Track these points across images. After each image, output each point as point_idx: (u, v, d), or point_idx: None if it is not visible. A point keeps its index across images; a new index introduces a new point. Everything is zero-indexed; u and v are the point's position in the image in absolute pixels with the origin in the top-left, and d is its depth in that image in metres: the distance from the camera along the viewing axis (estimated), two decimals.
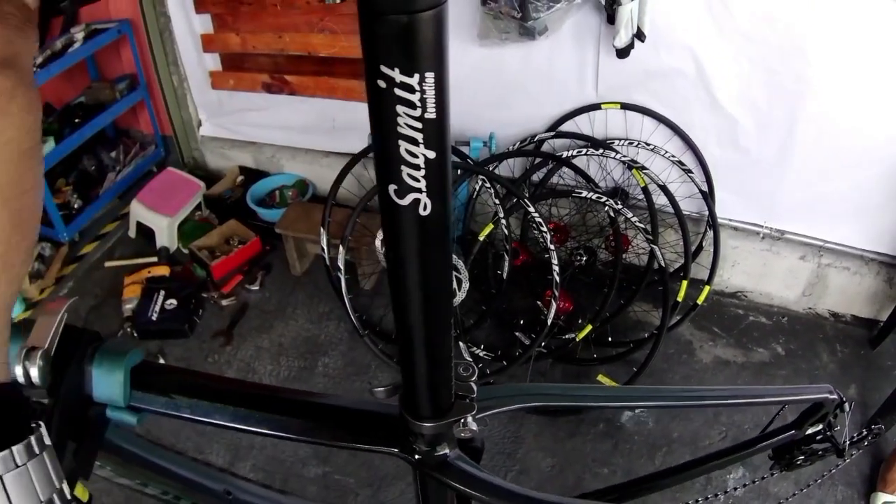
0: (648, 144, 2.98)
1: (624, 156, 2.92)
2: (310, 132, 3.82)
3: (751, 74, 2.70)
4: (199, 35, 3.87)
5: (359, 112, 3.51)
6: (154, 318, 3.24)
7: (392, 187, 0.44)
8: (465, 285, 2.74)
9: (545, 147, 3.13)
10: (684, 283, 2.82)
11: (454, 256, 2.72)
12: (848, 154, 2.73)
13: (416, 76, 0.39)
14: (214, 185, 4.14)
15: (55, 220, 3.78)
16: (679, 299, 2.85)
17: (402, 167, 0.43)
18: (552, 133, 3.06)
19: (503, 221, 2.78)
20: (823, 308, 3.25)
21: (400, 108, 0.40)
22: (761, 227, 3.08)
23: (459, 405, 0.75)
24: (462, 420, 0.74)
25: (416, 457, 0.77)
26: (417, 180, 0.44)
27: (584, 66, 2.91)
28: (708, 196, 2.96)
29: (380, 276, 3.32)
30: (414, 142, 0.41)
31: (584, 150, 2.90)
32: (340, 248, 2.88)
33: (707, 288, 2.99)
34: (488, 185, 2.85)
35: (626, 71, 2.85)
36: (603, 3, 2.61)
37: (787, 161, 2.85)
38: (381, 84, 0.39)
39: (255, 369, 3.03)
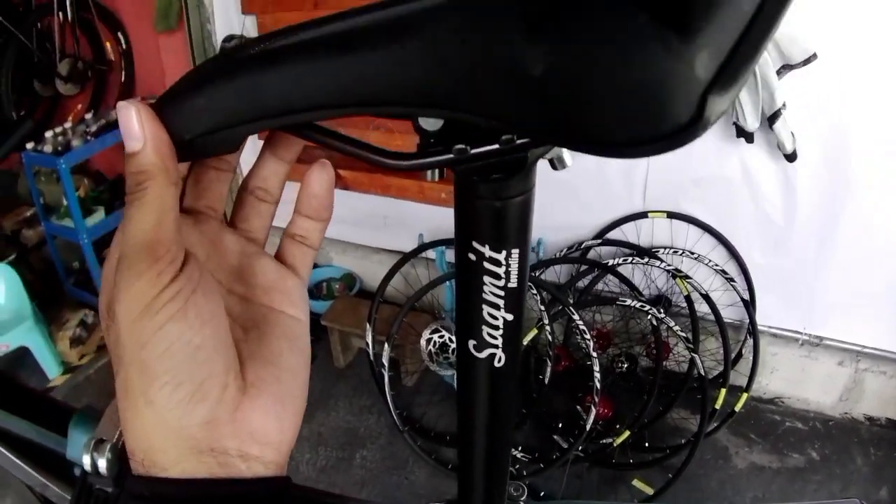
0: (693, 253, 3.00)
1: (668, 264, 2.94)
2: (361, 227, 3.84)
3: (795, 180, 2.73)
4: None
5: (410, 211, 3.54)
6: None
7: (472, 342, 0.48)
8: None
9: (591, 254, 3.15)
10: (723, 391, 2.81)
11: None
12: (888, 257, 2.74)
13: (504, 252, 0.42)
14: None
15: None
16: (717, 407, 2.84)
17: (483, 327, 0.47)
18: (599, 241, 3.09)
19: (547, 327, 2.80)
20: (859, 412, 3.22)
21: (486, 279, 0.44)
22: (801, 333, 3.06)
23: None
24: None
25: None
26: (495, 338, 0.47)
27: (633, 173, 2.95)
28: (749, 304, 2.96)
29: (422, 374, 3.33)
30: (496, 307, 0.45)
31: (630, 259, 2.94)
32: (386, 345, 2.90)
33: (745, 395, 2.98)
34: (534, 290, 2.87)
35: (674, 180, 2.89)
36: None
37: (828, 266, 2.85)
38: (472, 257, 0.43)
39: (294, 457, 3.02)
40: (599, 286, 3.14)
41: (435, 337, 3.00)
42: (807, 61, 2.44)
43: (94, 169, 4.72)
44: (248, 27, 3.65)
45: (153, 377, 0.37)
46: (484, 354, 0.48)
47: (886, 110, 2.49)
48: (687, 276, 2.91)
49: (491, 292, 0.45)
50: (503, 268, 0.43)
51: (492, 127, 0.35)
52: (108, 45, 4.44)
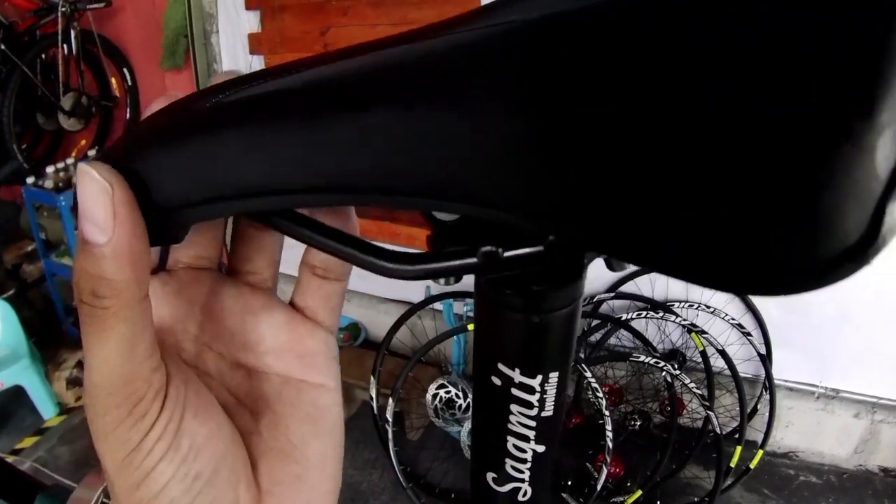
0: (708, 307, 2.93)
1: (683, 319, 2.87)
2: (368, 276, 3.71)
3: None
4: None
5: None
6: None
7: (491, 475, 0.39)
8: None
9: (604, 308, 3.09)
10: (738, 448, 2.76)
11: None
12: None
13: (539, 378, 0.33)
14: None
15: None
16: (732, 465, 2.78)
17: (507, 460, 0.38)
18: (612, 294, 3.03)
19: None
20: (874, 464, 3.15)
21: (514, 407, 0.35)
22: (817, 386, 3.00)
23: None
24: None
25: None
26: (521, 472, 0.38)
27: None
28: (766, 358, 2.90)
29: (427, 429, 3.24)
30: (525, 439, 0.36)
31: (644, 313, 2.87)
32: (390, 399, 2.84)
33: (760, 452, 2.91)
34: None
35: None
36: None
37: (846, 319, 2.80)
38: (496, 381, 0.34)
39: None
40: (612, 341, 3.07)
41: (441, 392, 2.93)
42: None
43: None
44: (256, 68, 3.60)
45: None
46: (506, 489, 0.40)
47: None
48: (703, 331, 2.85)
49: (519, 423, 0.36)
50: (537, 395, 0.34)
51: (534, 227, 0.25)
52: (113, 80, 4.43)
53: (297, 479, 0.35)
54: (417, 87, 0.22)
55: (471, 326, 2.86)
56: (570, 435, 2.97)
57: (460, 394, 2.83)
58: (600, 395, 2.60)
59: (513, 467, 0.38)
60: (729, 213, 0.18)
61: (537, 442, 0.37)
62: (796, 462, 3.23)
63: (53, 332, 3.84)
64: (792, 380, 3.03)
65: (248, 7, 3.45)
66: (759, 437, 2.95)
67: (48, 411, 3.41)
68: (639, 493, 2.74)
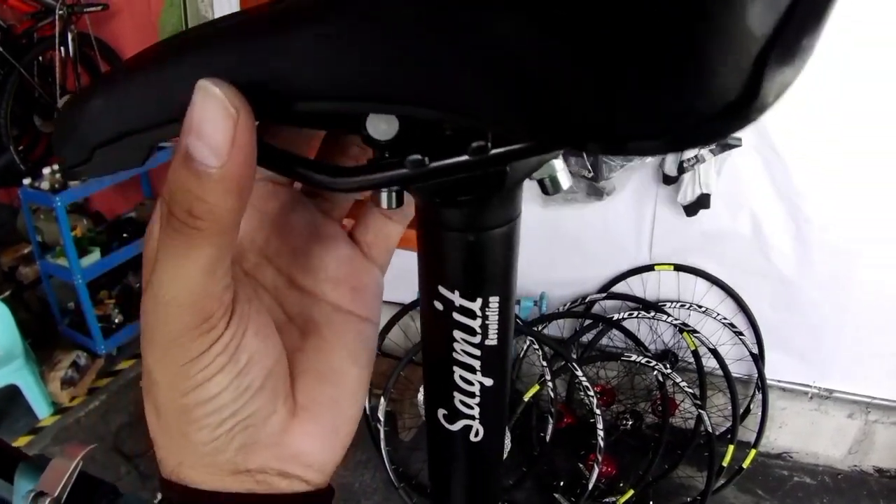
0: (700, 307, 2.93)
1: (675, 319, 2.88)
2: None
3: (808, 233, 2.69)
4: None
5: (411, 262, 3.45)
6: None
7: (442, 412, 0.39)
8: (508, 443, 2.67)
9: (596, 308, 3.10)
10: (731, 447, 2.77)
11: None
12: None
13: (479, 301, 0.33)
14: None
15: (94, 331, 3.78)
16: (724, 464, 2.79)
17: (455, 393, 0.38)
18: (604, 294, 3.03)
19: (549, 383, 2.73)
20: (868, 465, 3.16)
21: (457, 334, 0.35)
22: (810, 387, 3.01)
23: None
24: None
25: None
26: (471, 407, 0.38)
27: (640, 226, 2.91)
28: (758, 358, 2.90)
29: (420, 429, 3.23)
30: (471, 369, 0.36)
31: (635, 313, 2.88)
32: (382, 399, 2.84)
33: (753, 452, 2.92)
34: (536, 345, 2.81)
35: (682, 232, 2.84)
36: (665, 171, 2.62)
37: (841, 320, 2.81)
38: (439, 306, 0.34)
39: None
40: (604, 341, 3.08)
41: None
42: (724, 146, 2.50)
43: (94, 209, 4.71)
44: None
45: (193, 420, 0.31)
46: (457, 427, 0.39)
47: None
48: (694, 331, 2.85)
49: (464, 351, 0.36)
50: (479, 320, 0.34)
51: (458, 129, 0.26)
52: None
53: (332, 400, 0.36)
54: (335, 9, 0.23)
55: None
56: (563, 435, 2.96)
57: None
58: (591, 394, 2.60)
59: (461, 402, 0.38)
60: (615, 74, 0.19)
61: (484, 374, 0.37)
62: (790, 463, 3.23)
63: (49, 333, 3.84)
64: (785, 380, 3.03)
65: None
66: (752, 438, 2.95)
67: (43, 411, 3.41)
68: (631, 492, 2.75)
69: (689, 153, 2.52)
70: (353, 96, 0.25)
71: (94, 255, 3.81)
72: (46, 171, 3.72)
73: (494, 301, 0.34)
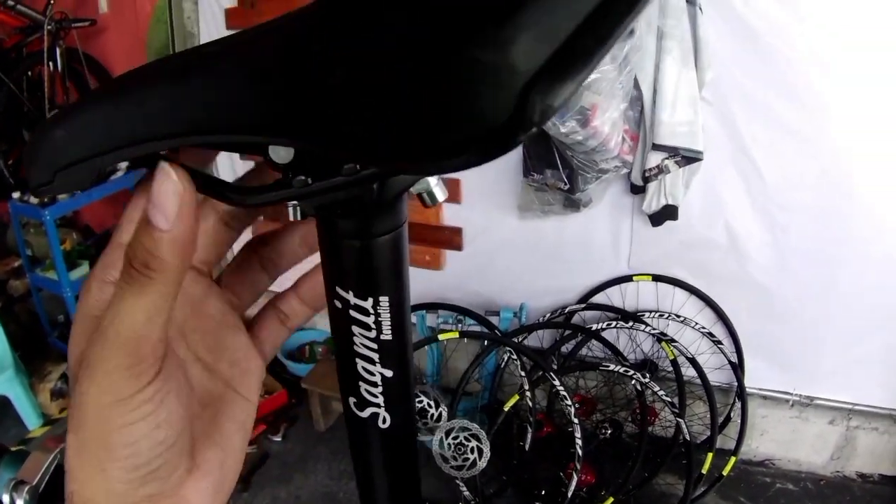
0: (679, 316, 2.96)
1: (653, 328, 2.91)
2: None
3: (785, 243, 2.72)
4: None
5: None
6: None
7: (352, 399, 0.43)
8: (486, 454, 2.71)
9: (576, 318, 3.12)
10: (710, 455, 2.79)
11: (475, 426, 2.71)
12: (882, 314, 2.74)
13: (370, 300, 0.38)
14: None
15: None
16: (703, 471, 2.81)
17: (361, 383, 0.42)
18: (583, 305, 3.06)
19: (528, 393, 2.76)
20: (851, 470, 3.18)
21: (356, 329, 0.40)
22: (791, 394, 3.03)
23: None
24: None
25: None
26: (375, 396, 0.42)
27: (618, 237, 2.94)
28: (738, 367, 2.93)
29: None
30: (371, 361, 0.41)
31: (614, 323, 2.90)
32: None
33: (733, 459, 2.95)
34: (514, 356, 2.84)
35: (659, 242, 2.87)
36: (631, 179, 2.66)
37: (821, 328, 2.83)
38: (338, 304, 0.39)
39: None
40: (584, 351, 3.10)
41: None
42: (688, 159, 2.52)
43: (83, 222, 4.74)
44: None
45: (112, 456, 0.36)
46: (366, 414, 0.44)
47: (878, 172, 2.52)
48: (673, 340, 2.88)
49: (363, 344, 0.40)
50: (372, 317, 0.39)
51: (331, 155, 0.32)
52: None
53: (220, 461, 0.41)
54: (229, 54, 0.30)
55: (441, 336, 2.91)
56: (543, 444, 2.99)
57: (432, 403, 2.84)
58: (569, 403, 2.63)
59: (367, 391, 0.42)
60: (406, 109, 0.24)
61: (383, 365, 0.41)
62: (773, 470, 3.25)
63: (39, 345, 3.86)
64: (766, 388, 3.06)
65: (229, 27, 3.50)
66: (733, 446, 2.98)
67: (32, 422, 3.45)
68: (611, 500, 2.77)
69: (651, 163, 2.55)
70: (239, 131, 0.31)
71: (83, 269, 3.84)
72: None
73: (384, 300, 0.38)
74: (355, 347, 0.41)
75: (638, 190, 2.72)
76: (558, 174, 2.66)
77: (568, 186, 2.66)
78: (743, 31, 2.47)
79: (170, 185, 0.32)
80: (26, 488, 0.70)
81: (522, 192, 2.86)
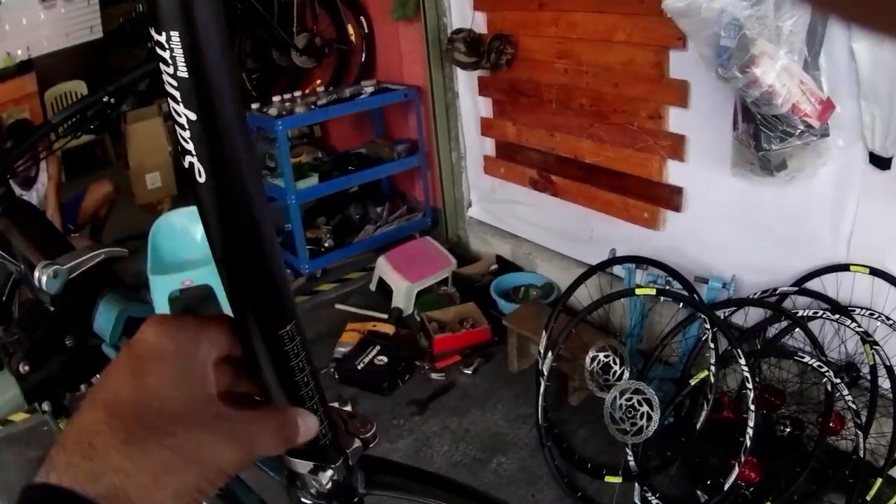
0: (889, 319, 2.64)
1: (859, 326, 2.61)
2: (566, 238, 3.84)
3: None
4: (479, 117, 4.06)
5: (617, 228, 3.48)
6: (360, 367, 3.43)
7: (179, 148, 0.45)
8: (655, 422, 2.61)
9: (787, 302, 2.85)
10: (878, 481, 2.53)
11: (650, 391, 2.63)
12: None
13: (164, 34, 0.40)
14: (468, 265, 4.28)
15: (300, 251, 4.09)
16: (868, 497, 2.54)
17: (176, 127, 0.44)
18: (796, 289, 2.81)
19: (712, 367, 2.63)
20: None
21: (161, 66, 0.41)
22: None
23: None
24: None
25: None
26: (187, 142, 0.44)
27: (839, 219, 2.68)
28: None
29: (590, 395, 3.01)
30: (175, 100, 0.42)
31: (821, 313, 2.65)
32: (549, 354, 2.84)
33: None
34: (708, 325, 2.69)
35: (887, 230, 2.58)
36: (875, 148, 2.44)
37: None
38: (150, 42, 0.41)
39: (432, 445, 3.07)
40: (789, 340, 2.82)
41: (601, 356, 2.84)
42: None
43: (330, 143, 5.06)
44: (479, 22, 3.77)
45: None
46: (186, 164, 0.45)
47: None
48: (875, 343, 2.59)
49: (167, 82, 0.42)
50: (168, 52, 0.41)
51: None
52: (350, 27, 4.74)
53: None
54: None
55: (638, 291, 2.83)
56: (719, 428, 2.76)
57: (618, 360, 2.79)
58: (750, 387, 2.48)
59: (181, 136, 0.44)
60: None
61: (186, 106, 0.43)
62: None
63: None
64: None
65: None
66: None
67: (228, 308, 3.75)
68: None
69: None
70: None
71: (312, 180, 4.14)
72: (276, 98, 4.04)
73: (175, 35, 0.40)
74: (165, 86, 0.42)
75: (884, 163, 2.46)
76: (746, 128, 2.53)
77: (754, 143, 2.50)
78: None
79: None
80: (54, 269, 0.83)
81: (733, 147, 2.70)
